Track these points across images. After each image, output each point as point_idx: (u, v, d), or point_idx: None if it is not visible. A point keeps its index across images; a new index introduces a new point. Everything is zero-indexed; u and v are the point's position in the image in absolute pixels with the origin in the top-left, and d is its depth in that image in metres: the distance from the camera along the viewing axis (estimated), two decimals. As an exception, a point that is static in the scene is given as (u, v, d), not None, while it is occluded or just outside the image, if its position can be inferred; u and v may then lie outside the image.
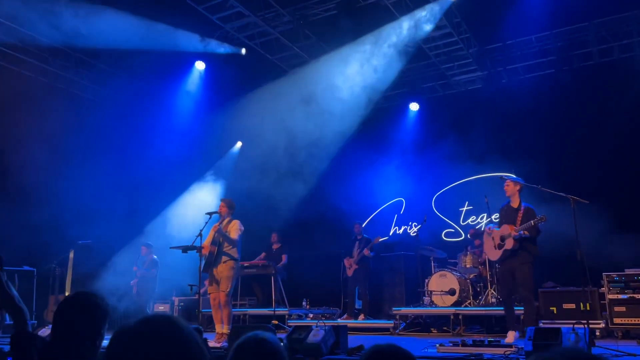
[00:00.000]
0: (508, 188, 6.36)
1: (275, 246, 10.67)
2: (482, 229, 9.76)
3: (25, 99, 9.54)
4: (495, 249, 6.34)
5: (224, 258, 6.74)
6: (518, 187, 6.35)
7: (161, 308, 10.35)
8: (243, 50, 9.93)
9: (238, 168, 12.65)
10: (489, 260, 8.38)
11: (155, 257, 9.88)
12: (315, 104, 10.30)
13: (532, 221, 5.95)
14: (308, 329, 5.07)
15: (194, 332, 1.30)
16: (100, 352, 2.26)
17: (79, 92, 10.98)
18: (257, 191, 11.18)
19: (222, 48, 10.10)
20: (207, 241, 6.85)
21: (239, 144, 13.10)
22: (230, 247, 6.80)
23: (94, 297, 2.39)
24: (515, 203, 6.35)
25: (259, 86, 11.05)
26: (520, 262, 6.09)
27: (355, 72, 10.20)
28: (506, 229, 6.23)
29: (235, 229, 6.83)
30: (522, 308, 6.47)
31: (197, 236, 6.61)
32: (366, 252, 9.39)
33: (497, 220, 6.79)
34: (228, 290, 6.67)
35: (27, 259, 9.41)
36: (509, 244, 6.13)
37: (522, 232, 6.02)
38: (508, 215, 6.32)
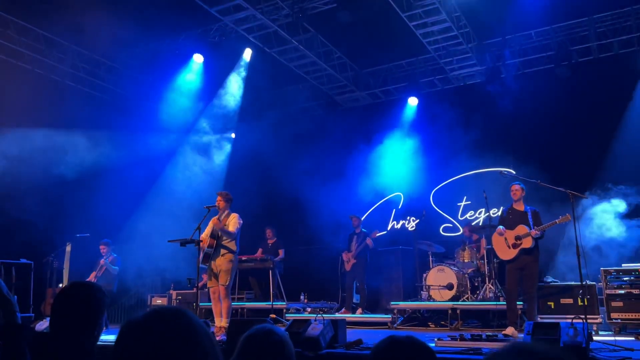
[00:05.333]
0: (517, 193, 6.73)
1: (270, 241, 10.61)
2: (480, 224, 9.80)
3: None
4: (510, 248, 6.62)
5: (223, 251, 6.76)
6: (524, 193, 6.77)
7: (159, 302, 10.34)
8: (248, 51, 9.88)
9: (233, 160, 12.63)
10: (487, 255, 8.40)
11: (115, 255, 9.29)
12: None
13: (556, 220, 6.37)
14: (306, 322, 5.05)
15: (204, 324, 1.30)
16: (104, 345, 2.24)
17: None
18: (252, 184, 11.16)
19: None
20: (205, 234, 6.85)
21: (232, 135, 13.09)
22: (229, 240, 6.82)
23: (90, 287, 2.37)
24: (521, 206, 6.75)
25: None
26: (533, 260, 6.49)
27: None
28: (522, 229, 6.54)
29: (233, 222, 6.83)
30: (522, 303, 6.63)
31: (196, 229, 6.59)
32: (368, 241, 9.40)
33: (496, 221, 7.12)
34: (227, 283, 6.68)
35: (24, 252, 9.37)
36: (528, 243, 6.48)
37: (540, 232, 6.45)
38: (517, 218, 6.67)
